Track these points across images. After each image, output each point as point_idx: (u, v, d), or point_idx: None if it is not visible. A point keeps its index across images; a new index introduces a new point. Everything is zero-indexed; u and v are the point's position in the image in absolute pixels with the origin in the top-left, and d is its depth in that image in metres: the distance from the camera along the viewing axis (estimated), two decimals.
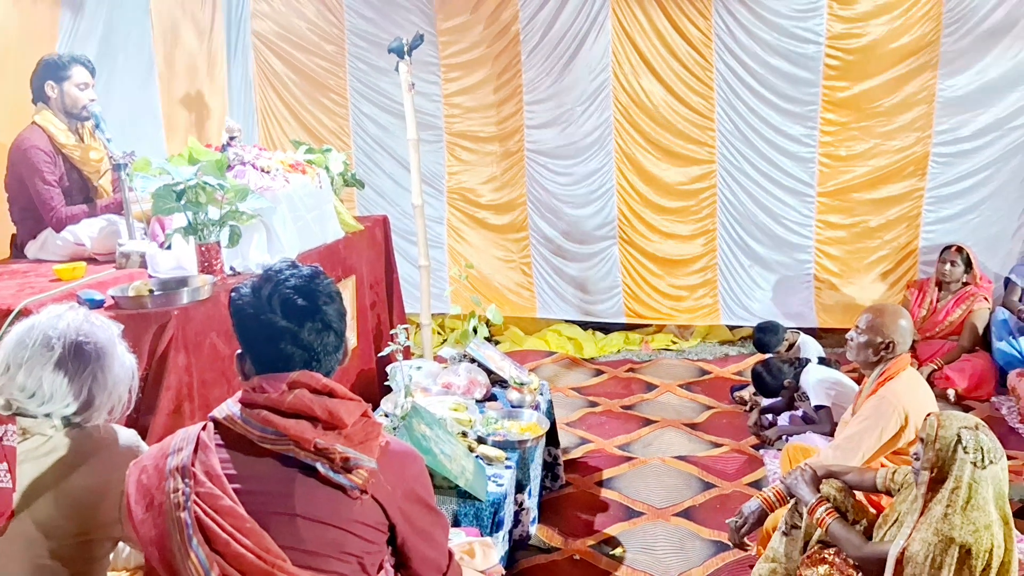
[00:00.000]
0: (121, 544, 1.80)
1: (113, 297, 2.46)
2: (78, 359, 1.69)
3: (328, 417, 1.47)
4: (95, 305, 2.43)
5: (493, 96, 5.65)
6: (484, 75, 5.61)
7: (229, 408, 1.50)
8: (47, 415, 1.66)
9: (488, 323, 4.03)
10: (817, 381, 4.01)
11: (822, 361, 4.39)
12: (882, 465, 2.73)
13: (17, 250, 3.38)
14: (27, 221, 3.32)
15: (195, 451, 1.46)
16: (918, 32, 5.00)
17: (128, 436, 1.78)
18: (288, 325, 1.49)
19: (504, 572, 2.58)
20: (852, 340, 2.89)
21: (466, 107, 5.70)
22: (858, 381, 4.14)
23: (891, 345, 2.79)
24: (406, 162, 4.42)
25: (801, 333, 4.85)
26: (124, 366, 1.77)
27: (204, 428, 1.51)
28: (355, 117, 5.83)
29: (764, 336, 4.69)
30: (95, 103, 3.36)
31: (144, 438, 2.07)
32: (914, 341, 4.92)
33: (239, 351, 1.56)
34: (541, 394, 3.59)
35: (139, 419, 2.27)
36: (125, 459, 1.62)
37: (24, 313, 2.25)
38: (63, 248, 3.22)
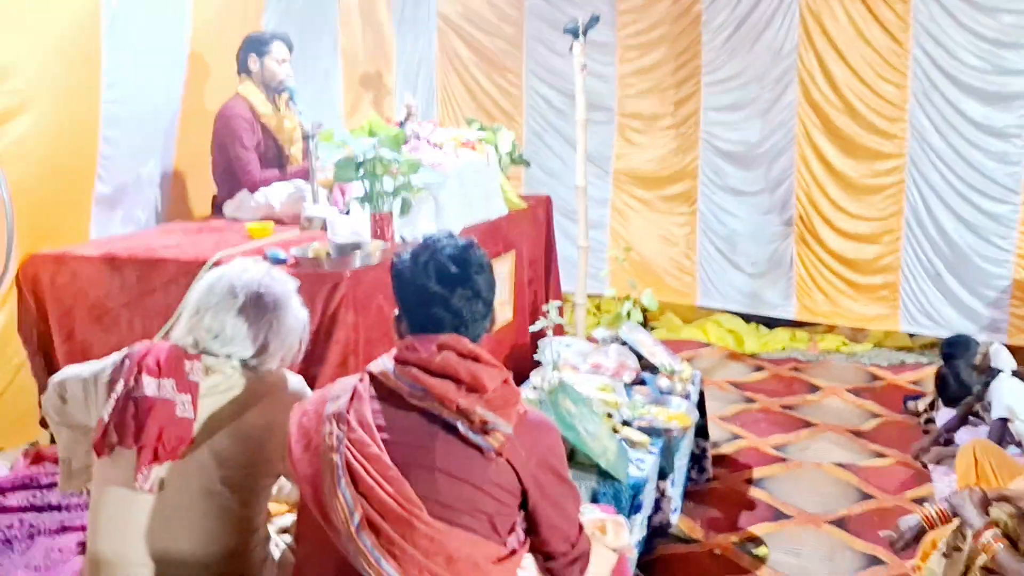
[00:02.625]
0: (282, 479, 1.98)
1: (295, 256, 2.68)
2: (257, 308, 1.87)
3: (471, 380, 1.54)
4: (279, 262, 2.66)
5: (670, 78, 5.55)
6: (662, 55, 5.52)
7: (384, 364, 1.62)
8: (228, 356, 1.85)
9: (643, 308, 3.99)
10: (1008, 393, 3.68)
11: (1016, 375, 4.01)
12: None
13: (216, 209, 3.74)
14: (226, 183, 3.66)
15: (351, 400, 1.59)
16: None
17: (296, 382, 1.95)
18: (440, 290, 1.58)
19: (637, 554, 2.59)
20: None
21: (641, 88, 5.64)
22: None
23: None
24: (574, 142, 4.45)
25: (995, 342, 4.44)
26: (298, 318, 1.95)
27: (361, 380, 1.64)
28: (529, 97, 5.93)
29: (954, 349, 4.31)
30: (291, 77, 3.64)
31: (312, 386, 2.26)
32: None
33: (396, 312, 1.67)
34: (692, 384, 3.52)
35: (309, 369, 2.47)
36: (292, 402, 1.77)
37: (217, 264, 2.51)
38: (256, 209, 3.52)
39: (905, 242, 5.18)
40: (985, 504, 2.41)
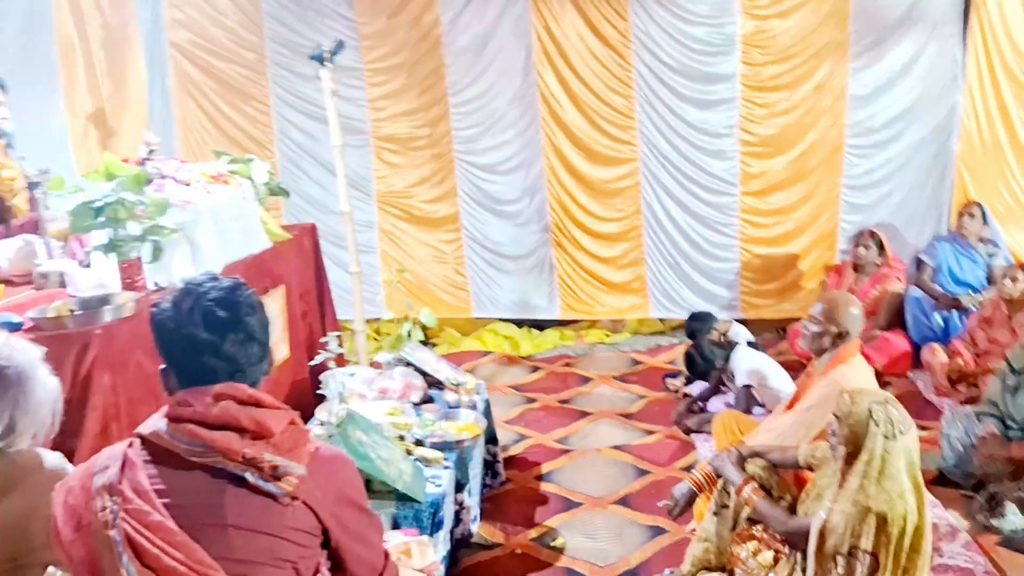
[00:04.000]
0: (51, 568, 1.77)
1: (32, 319, 2.41)
2: None
3: (255, 427, 1.48)
4: (13, 328, 2.38)
5: (419, 99, 5.66)
6: (408, 79, 5.62)
7: (155, 424, 1.50)
8: None
9: (423, 327, 4.04)
10: (746, 363, 4.18)
11: (751, 345, 4.55)
12: None
13: None
14: None
15: (122, 469, 1.46)
16: (829, 26, 5.21)
17: (53, 459, 1.76)
18: (210, 337, 1.49)
19: (444, 570, 2.62)
20: (807, 330, 2.96)
21: (392, 111, 5.70)
22: (784, 365, 4.34)
23: (845, 334, 2.89)
24: (333, 168, 4.41)
25: (734, 322, 5.02)
26: (47, 389, 1.75)
27: (131, 445, 1.51)
28: (279, 124, 5.77)
29: (695, 324, 4.83)
30: (7, 121, 3.27)
31: (71, 461, 2.04)
32: None
33: (163, 366, 1.56)
34: (478, 393, 3.63)
35: (65, 442, 2.22)
36: (51, 482, 1.60)
37: None
38: None
39: (646, 237, 5.69)
40: (741, 462, 2.73)
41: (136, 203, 2.66)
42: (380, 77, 5.64)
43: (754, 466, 2.71)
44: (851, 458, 2.32)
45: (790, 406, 3.02)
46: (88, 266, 2.87)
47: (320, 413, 3.14)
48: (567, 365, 5.37)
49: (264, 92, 5.72)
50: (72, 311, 2.48)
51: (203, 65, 5.66)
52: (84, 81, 4.62)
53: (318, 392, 3.29)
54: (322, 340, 3.16)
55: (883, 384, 4.66)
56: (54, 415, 1.77)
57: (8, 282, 3.04)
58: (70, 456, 2.17)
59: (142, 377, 2.51)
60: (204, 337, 1.49)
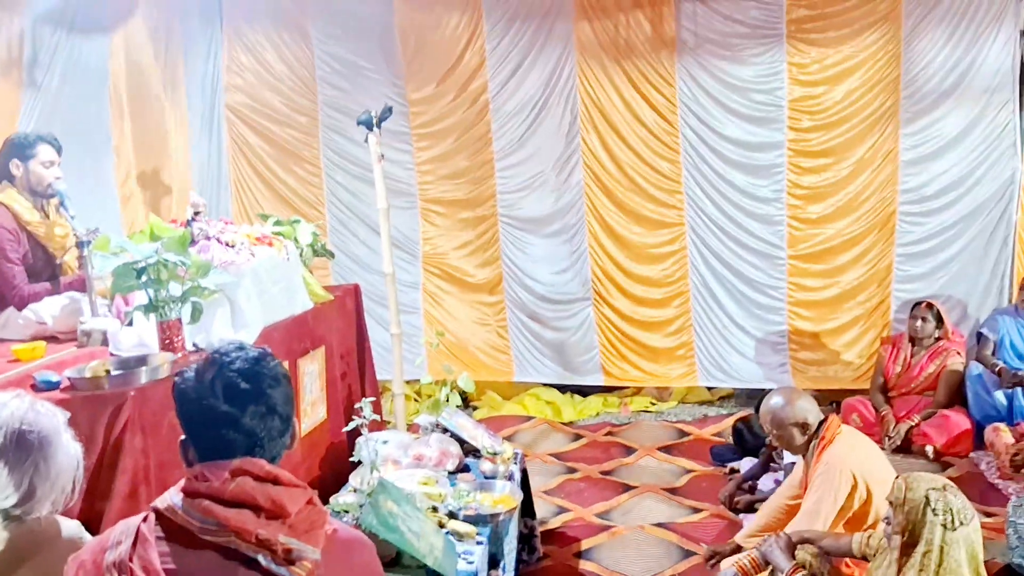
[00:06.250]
0: None
1: (70, 378, 2.41)
2: (20, 449, 1.64)
3: (271, 506, 1.42)
4: (51, 387, 2.38)
5: (465, 163, 5.71)
6: (455, 143, 5.68)
7: (171, 498, 1.46)
8: None
9: (461, 391, 3.98)
10: None
11: None
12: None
13: None
14: None
15: (134, 545, 1.41)
16: (877, 93, 5.14)
17: (70, 528, 1.73)
18: (230, 410, 1.46)
19: None
20: (775, 444, 3.01)
21: (439, 174, 5.76)
22: None
23: (805, 425, 2.87)
24: (379, 229, 4.44)
25: None
26: (69, 455, 1.73)
27: (145, 519, 1.46)
28: (329, 186, 5.87)
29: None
30: (60, 180, 3.36)
31: (99, 524, 2.01)
32: (890, 397, 4.93)
33: (182, 438, 1.52)
34: (515, 463, 3.53)
35: (93, 505, 2.21)
36: (67, 553, 1.55)
37: None
38: (25, 327, 3.17)
39: (694, 302, 5.58)
40: (791, 548, 2.58)
41: (178, 264, 2.67)
42: (427, 141, 5.72)
43: (804, 553, 2.56)
44: (907, 548, 2.18)
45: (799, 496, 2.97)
46: (130, 325, 2.89)
47: (353, 479, 3.08)
48: (610, 434, 5.23)
49: (315, 154, 5.84)
50: (108, 371, 2.47)
51: (257, 128, 5.81)
52: (132, 142, 4.76)
53: (352, 458, 3.24)
54: (357, 406, 3.11)
55: (944, 465, 4.43)
56: (75, 482, 1.74)
57: (53, 339, 3.07)
58: (98, 519, 2.15)
59: (174, 440, 2.45)
60: (224, 409, 1.46)
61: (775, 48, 5.21)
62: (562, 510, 4.16)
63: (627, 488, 4.40)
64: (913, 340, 4.97)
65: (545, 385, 5.83)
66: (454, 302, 5.89)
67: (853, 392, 5.22)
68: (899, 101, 5.14)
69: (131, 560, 1.39)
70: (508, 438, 4.22)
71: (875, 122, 5.18)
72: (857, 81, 5.15)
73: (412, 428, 3.97)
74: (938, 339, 4.91)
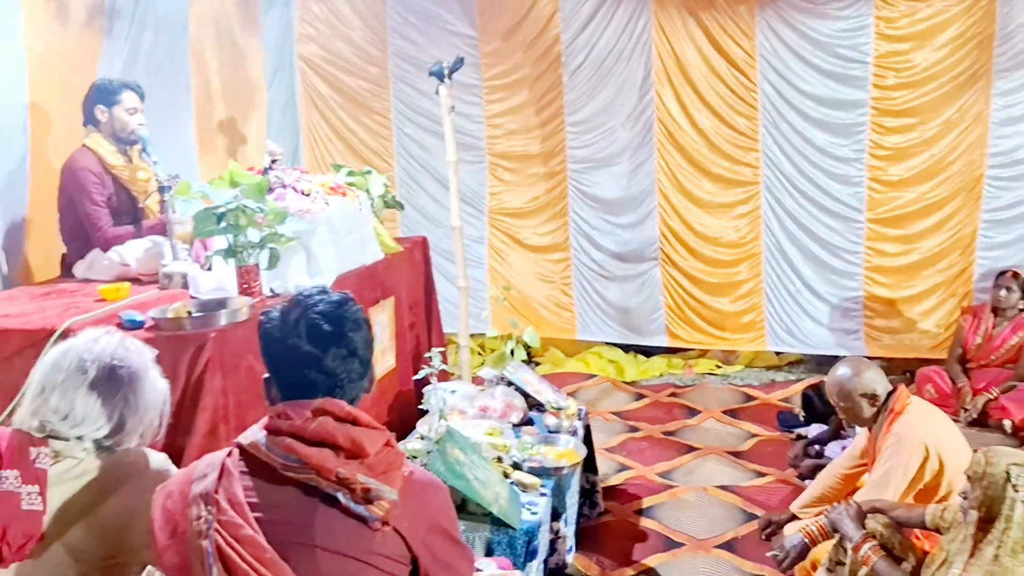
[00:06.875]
0: (150, 567, 1.81)
1: (153, 318, 2.49)
2: (111, 382, 1.71)
3: (351, 445, 1.45)
4: (136, 326, 2.47)
5: (535, 117, 5.65)
6: (526, 96, 5.62)
7: (254, 434, 1.50)
8: (79, 438, 1.68)
9: (526, 346, 3.99)
10: None
11: None
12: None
13: (66, 270, 3.46)
14: (76, 241, 3.39)
15: (219, 478, 1.46)
16: (968, 51, 4.87)
17: (158, 460, 1.79)
18: (312, 350, 1.49)
19: None
20: (844, 421, 2.93)
21: (508, 128, 5.71)
22: None
23: (874, 397, 2.78)
24: (448, 182, 4.44)
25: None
26: (156, 391, 1.79)
27: (229, 454, 1.51)
28: (398, 138, 5.88)
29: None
30: (143, 127, 3.44)
31: (180, 460, 2.08)
32: (968, 369, 4.76)
33: (266, 375, 1.56)
34: (579, 419, 3.54)
35: (175, 441, 2.29)
36: (155, 483, 1.62)
37: (67, 334, 2.29)
38: (109, 268, 3.28)
39: (765, 265, 5.45)
40: (861, 517, 2.52)
41: (256, 211, 2.72)
42: (498, 94, 5.67)
43: (875, 523, 2.50)
44: (985, 524, 2.11)
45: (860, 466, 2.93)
46: (209, 269, 2.97)
47: (421, 427, 3.13)
48: (673, 395, 5.19)
49: (386, 106, 5.85)
50: (190, 313, 2.55)
51: (329, 78, 5.84)
52: (211, 90, 4.83)
53: (421, 407, 3.29)
54: (426, 355, 3.14)
55: (1022, 440, 4.27)
56: (162, 417, 1.81)
57: (136, 280, 3.17)
58: (178, 455, 2.23)
59: (252, 381, 2.56)
60: (307, 349, 1.49)
61: (862, 1, 4.97)
62: (623, 468, 4.16)
63: (690, 449, 4.38)
64: (996, 310, 4.76)
65: (608, 344, 5.80)
66: (519, 258, 5.88)
67: (928, 362, 5.05)
68: (992, 59, 4.85)
69: (217, 492, 1.44)
70: (570, 395, 4.22)
71: (965, 81, 4.91)
72: (948, 37, 4.88)
73: (476, 381, 4.00)
74: (1022, 310, 4.70)
